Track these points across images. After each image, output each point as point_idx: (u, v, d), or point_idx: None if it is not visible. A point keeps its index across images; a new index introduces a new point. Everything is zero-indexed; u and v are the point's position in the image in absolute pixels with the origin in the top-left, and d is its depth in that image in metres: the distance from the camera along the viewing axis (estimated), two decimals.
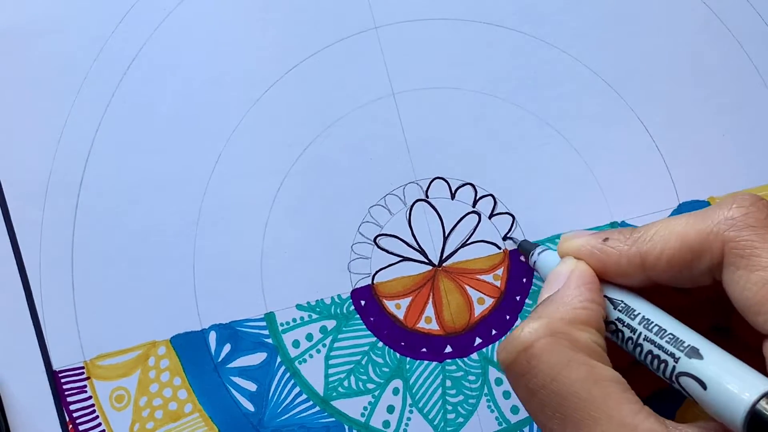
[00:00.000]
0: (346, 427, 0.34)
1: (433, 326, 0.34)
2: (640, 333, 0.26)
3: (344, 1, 0.34)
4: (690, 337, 0.25)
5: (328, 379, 0.34)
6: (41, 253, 0.34)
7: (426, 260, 0.34)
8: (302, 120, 0.34)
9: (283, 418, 0.34)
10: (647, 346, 0.26)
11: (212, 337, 0.34)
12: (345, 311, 0.34)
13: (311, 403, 0.34)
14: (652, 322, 0.26)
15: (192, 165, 0.34)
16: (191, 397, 0.34)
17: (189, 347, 0.34)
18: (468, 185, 0.34)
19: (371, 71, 0.34)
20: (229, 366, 0.34)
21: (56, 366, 0.34)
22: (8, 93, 0.34)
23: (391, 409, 0.34)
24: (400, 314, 0.34)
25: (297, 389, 0.34)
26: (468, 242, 0.34)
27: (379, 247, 0.34)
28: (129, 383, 0.34)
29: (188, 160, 0.34)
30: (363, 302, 0.34)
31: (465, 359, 0.34)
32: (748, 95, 0.34)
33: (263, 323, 0.34)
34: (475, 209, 0.34)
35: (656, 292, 0.27)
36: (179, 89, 0.34)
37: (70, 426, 0.34)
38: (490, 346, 0.34)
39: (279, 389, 0.34)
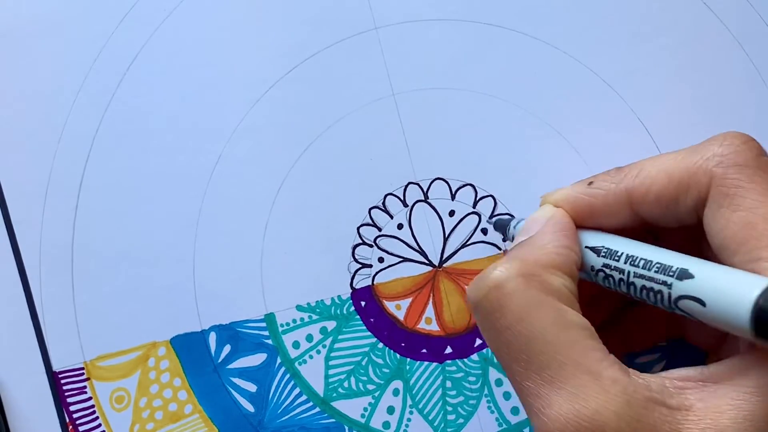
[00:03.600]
0: (346, 428, 0.34)
1: (434, 327, 0.34)
2: (629, 272, 0.26)
3: (344, 2, 0.34)
4: (677, 260, 0.24)
5: (328, 379, 0.34)
6: (41, 254, 0.34)
7: (426, 261, 0.34)
8: (302, 120, 0.34)
9: (283, 419, 0.34)
10: (639, 282, 0.25)
11: (212, 338, 0.34)
12: (345, 312, 0.34)
13: (311, 404, 0.34)
14: (637, 257, 0.25)
15: (192, 165, 0.34)
16: (191, 398, 0.34)
17: (189, 348, 0.34)
18: (468, 186, 0.34)
19: (371, 72, 0.34)
20: (229, 367, 0.34)
21: (56, 367, 0.34)
22: (8, 93, 0.34)
23: (391, 410, 0.34)
24: (400, 315, 0.34)
25: (297, 390, 0.34)
26: (468, 243, 0.34)
27: (379, 247, 0.34)
28: (129, 384, 0.34)
29: (188, 160, 0.34)
30: (363, 303, 0.34)
31: (465, 360, 0.34)
32: (748, 95, 0.34)
33: (263, 324, 0.34)
34: (475, 210, 0.34)
35: (639, 237, 0.27)
36: (179, 89, 0.34)
37: (70, 427, 0.34)
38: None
39: (279, 390, 0.34)
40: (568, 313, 0.24)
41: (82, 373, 0.34)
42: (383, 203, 0.34)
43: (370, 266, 0.34)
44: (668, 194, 0.25)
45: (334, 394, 0.34)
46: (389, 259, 0.34)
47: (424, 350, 0.34)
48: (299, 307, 0.34)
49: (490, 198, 0.34)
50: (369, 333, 0.34)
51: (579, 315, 0.24)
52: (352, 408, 0.34)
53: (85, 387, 0.34)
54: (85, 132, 0.34)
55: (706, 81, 0.34)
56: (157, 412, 0.34)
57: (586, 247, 0.27)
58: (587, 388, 0.22)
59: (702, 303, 0.23)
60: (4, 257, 0.34)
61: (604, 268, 0.27)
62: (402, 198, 0.34)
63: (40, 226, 0.34)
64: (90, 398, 0.34)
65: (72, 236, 0.34)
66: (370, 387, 0.34)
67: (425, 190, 0.34)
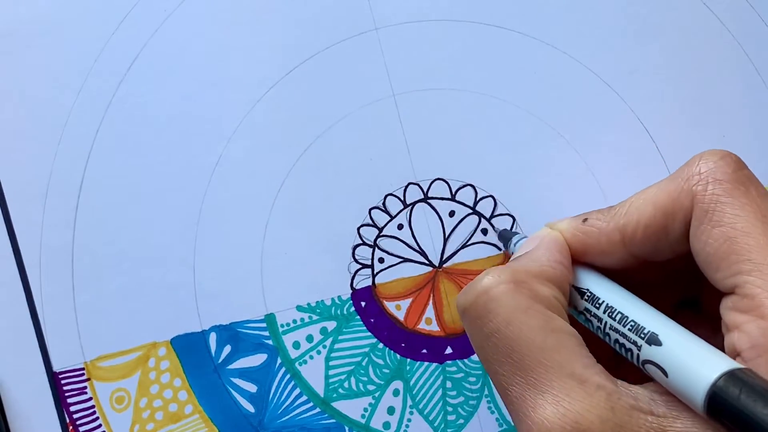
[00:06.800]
0: (347, 429, 0.34)
1: (434, 327, 0.34)
2: (606, 322, 0.26)
3: (344, 3, 0.34)
4: (652, 322, 0.24)
5: (328, 380, 0.34)
6: (41, 254, 0.34)
7: (426, 261, 0.34)
8: (303, 121, 0.34)
9: (283, 419, 0.34)
10: (613, 335, 0.25)
11: (213, 338, 0.34)
12: (345, 312, 0.34)
13: (311, 404, 0.34)
14: (616, 310, 0.26)
15: (192, 165, 0.34)
16: (191, 399, 0.34)
17: (189, 348, 0.34)
18: (468, 186, 0.34)
19: (371, 72, 0.35)
20: (229, 367, 0.34)
21: (56, 367, 0.34)
22: (8, 93, 0.34)
23: (391, 411, 0.34)
24: (400, 315, 0.34)
25: (297, 390, 0.34)
26: (468, 243, 0.34)
27: (379, 248, 0.34)
28: (129, 384, 0.34)
29: (188, 160, 0.34)
30: (363, 303, 0.34)
31: (465, 360, 0.34)
32: (748, 95, 0.34)
33: (263, 324, 0.34)
34: (475, 210, 0.34)
35: (633, 270, 0.27)
36: (180, 90, 0.34)
37: (71, 427, 0.34)
38: None
39: (279, 390, 0.34)
40: (556, 319, 0.24)
41: (83, 374, 0.34)
42: (383, 203, 0.34)
43: (371, 266, 0.34)
44: (656, 224, 0.25)
45: (335, 395, 0.34)
46: (389, 260, 0.34)
47: (425, 350, 0.34)
48: (299, 308, 0.34)
49: (490, 198, 0.34)
50: (369, 333, 0.34)
51: (567, 323, 0.25)
52: (352, 408, 0.34)
53: (85, 387, 0.34)
54: (85, 132, 0.34)
55: (706, 81, 0.34)
56: (158, 412, 0.34)
57: (573, 286, 0.28)
58: (572, 392, 0.22)
59: (665, 372, 0.23)
60: (4, 257, 0.34)
61: (585, 312, 0.27)
62: (402, 198, 0.34)
63: (40, 226, 0.34)
64: (90, 398, 0.34)
65: (72, 236, 0.34)
66: (371, 387, 0.34)
67: (425, 190, 0.34)
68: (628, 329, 0.25)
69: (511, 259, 0.28)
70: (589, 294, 0.27)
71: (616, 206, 0.27)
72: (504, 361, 0.24)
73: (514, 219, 0.34)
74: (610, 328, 0.26)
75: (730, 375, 0.21)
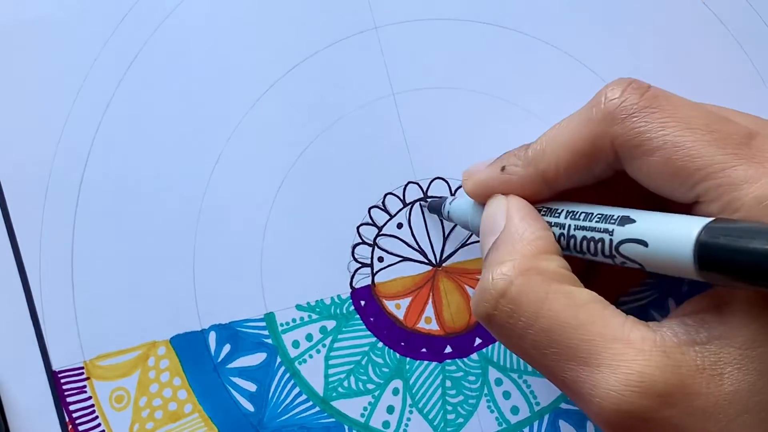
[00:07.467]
0: (346, 428, 0.34)
1: (433, 326, 0.34)
2: (569, 225, 0.26)
3: (344, 1, 0.34)
4: (617, 210, 0.24)
5: (327, 379, 0.34)
6: (41, 253, 0.34)
7: (426, 260, 0.34)
8: (302, 120, 0.34)
9: (282, 418, 0.34)
10: (580, 234, 0.25)
11: (212, 337, 0.34)
12: (345, 311, 0.34)
13: (311, 403, 0.34)
14: (577, 212, 0.26)
15: (192, 165, 0.34)
16: (191, 398, 0.34)
17: (189, 347, 0.34)
18: None
19: (371, 71, 0.34)
20: (228, 366, 0.34)
21: (56, 366, 0.34)
22: (8, 93, 0.34)
23: (391, 410, 0.34)
24: (399, 314, 0.34)
25: (297, 389, 0.34)
26: (468, 242, 0.34)
27: (378, 247, 0.34)
28: (129, 383, 0.34)
29: (188, 160, 0.34)
30: (363, 302, 0.34)
31: (465, 359, 0.34)
32: (748, 95, 0.34)
33: (263, 323, 0.34)
34: None
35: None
36: (179, 89, 0.34)
37: (70, 426, 0.34)
38: (490, 347, 0.34)
39: (279, 389, 0.34)
40: (576, 292, 0.24)
41: (82, 373, 0.34)
42: (383, 202, 0.34)
43: (370, 266, 0.34)
44: (578, 167, 0.26)
45: (334, 394, 0.34)
46: (389, 259, 0.34)
47: (424, 349, 0.34)
48: (299, 307, 0.34)
49: None
50: (369, 332, 0.34)
51: (584, 290, 0.24)
52: (351, 407, 0.34)
53: (84, 386, 0.34)
54: (85, 132, 0.34)
55: (706, 81, 0.34)
56: (157, 411, 0.34)
57: None
58: (623, 355, 0.22)
59: (644, 244, 0.23)
60: (4, 257, 0.34)
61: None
62: (402, 197, 0.34)
63: (40, 226, 0.34)
64: (90, 398, 0.34)
65: (72, 236, 0.34)
66: (370, 386, 0.34)
67: (425, 189, 0.34)
68: (596, 221, 0.25)
69: (485, 244, 0.27)
70: (545, 209, 0.27)
71: (529, 148, 0.27)
72: (548, 353, 0.24)
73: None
74: (575, 229, 0.25)
75: (714, 223, 0.21)
